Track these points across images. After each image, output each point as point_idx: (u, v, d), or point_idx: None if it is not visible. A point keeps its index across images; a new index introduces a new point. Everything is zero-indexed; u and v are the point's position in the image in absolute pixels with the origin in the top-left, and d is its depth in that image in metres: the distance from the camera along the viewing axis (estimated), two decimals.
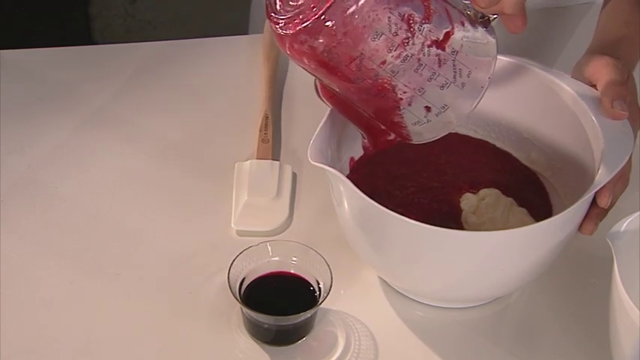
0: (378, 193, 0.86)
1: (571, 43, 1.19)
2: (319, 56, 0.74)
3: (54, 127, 1.06)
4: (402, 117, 0.80)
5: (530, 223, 0.88)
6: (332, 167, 0.79)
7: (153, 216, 0.96)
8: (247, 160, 1.00)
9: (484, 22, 0.80)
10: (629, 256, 0.79)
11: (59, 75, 1.13)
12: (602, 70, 0.87)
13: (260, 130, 1.03)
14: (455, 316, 0.89)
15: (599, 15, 1.00)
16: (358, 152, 0.94)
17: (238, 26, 1.39)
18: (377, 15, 0.73)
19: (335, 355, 0.85)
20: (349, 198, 0.82)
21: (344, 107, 0.83)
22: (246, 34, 1.30)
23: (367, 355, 0.85)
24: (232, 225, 0.95)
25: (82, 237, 0.94)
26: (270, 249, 0.87)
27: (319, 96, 0.83)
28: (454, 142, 0.97)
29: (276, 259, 0.87)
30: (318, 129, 0.83)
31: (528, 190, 0.93)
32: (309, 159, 0.80)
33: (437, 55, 0.77)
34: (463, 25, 0.79)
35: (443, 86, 0.78)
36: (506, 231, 0.85)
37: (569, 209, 0.81)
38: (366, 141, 0.88)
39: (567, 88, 0.89)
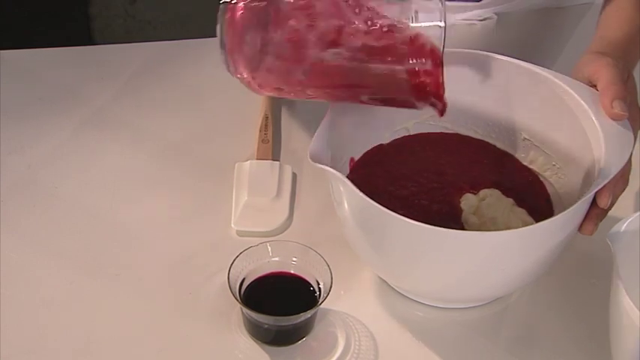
0: (378, 194, 0.86)
1: (570, 44, 1.19)
2: None
3: (54, 127, 1.06)
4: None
5: (531, 224, 0.88)
6: (332, 167, 0.79)
7: (153, 216, 0.96)
8: (247, 160, 1.01)
9: None
10: (629, 256, 0.79)
11: (59, 75, 1.13)
12: (602, 70, 0.87)
13: (260, 131, 1.04)
14: (455, 317, 0.89)
15: (599, 15, 1.00)
16: (358, 152, 0.94)
17: None
18: None
19: (335, 355, 0.85)
20: (349, 198, 0.82)
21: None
22: None
23: (367, 356, 0.85)
24: (232, 225, 0.95)
25: (82, 237, 0.94)
26: (270, 249, 0.87)
27: (229, 70, 0.85)
28: (454, 142, 0.97)
29: (276, 259, 0.87)
30: (318, 129, 0.83)
31: (528, 190, 0.93)
32: (309, 159, 0.80)
33: None
34: None
35: None
36: (506, 231, 0.85)
37: (569, 210, 0.81)
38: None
39: (567, 88, 0.89)
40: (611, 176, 0.81)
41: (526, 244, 0.81)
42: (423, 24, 0.80)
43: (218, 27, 0.83)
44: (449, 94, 0.95)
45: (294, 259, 0.87)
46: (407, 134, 0.97)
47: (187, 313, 0.88)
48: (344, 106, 0.88)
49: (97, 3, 2.20)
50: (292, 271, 0.87)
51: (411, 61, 0.80)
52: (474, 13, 1.19)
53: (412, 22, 0.80)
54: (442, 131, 0.98)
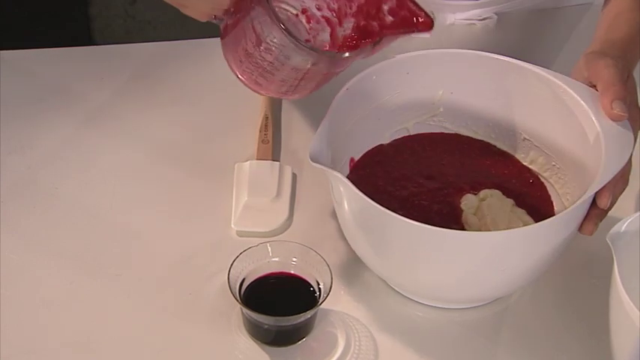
0: (378, 194, 0.86)
1: (569, 44, 1.19)
2: None
3: (54, 127, 1.06)
4: None
5: (531, 224, 0.88)
6: (332, 168, 0.80)
7: (153, 216, 0.96)
8: (247, 160, 1.00)
9: None
10: (629, 256, 0.79)
11: (59, 75, 1.13)
12: (602, 71, 0.87)
13: (260, 131, 1.03)
14: (454, 317, 0.89)
15: (599, 15, 1.00)
16: (358, 152, 0.94)
17: None
18: None
19: (335, 355, 0.85)
20: (349, 199, 0.82)
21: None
22: None
23: (367, 356, 0.85)
24: (232, 225, 0.95)
25: (82, 237, 0.94)
26: (270, 249, 0.87)
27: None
28: (455, 143, 0.97)
29: (276, 259, 0.87)
30: (319, 130, 0.83)
31: (528, 190, 0.93)
32: (309, 160, 0.80)
33: None
34: None
35: None
36: (506, 231, 0.85)
37: (569, 210, 0.81)
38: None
39: (567, 88, 0.89)
40: (611, 176, 0.81)
41: (526, 244, 0.81)
42: None
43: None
44: (449, 95, 0.96)
45: (294, 259, 0.87)
46: (407, 134, 0.97)
47: (187, 313, 0.88)
48: (344, 107, 0.88)
49: (97, 3, 2.20)
50: (292, 272, 0.87)
51: None
52: (474, 12, 1.19)
53: None
54: (442, 131, 0.98)
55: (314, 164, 0.79)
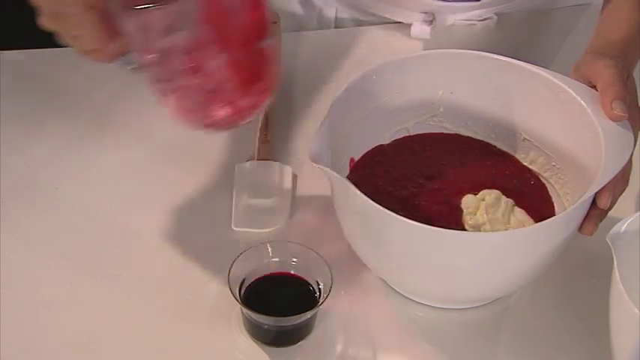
0: (378, 194, 0.86)
1: (568, 44, 1.19)
2: None
3: (54, 127, 1.06)
4: None
5: (531, 224, 0.88)
6: (332, 168, 0.79)
7: (153, 216, 0.96)
8: (247, 161, 1.00)
9: None
10: (629, 256, 0.79)
11: (59, 75, 1.13)
12: (601, 71, 0.87)
13: (260, 131, 1.03)
14: (455, 317, 0.89)
15: (598, 15, 1.00)
16: (358, 153, 0.94)
17: None
18: None
19: (335, 355, 0.85)
20: (349, 199, 0.82)
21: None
22: None
23: (367, 356, 0.85)
24: (232, 226, 0.95)
25: (82, 237, 0.94)
26: (270, 250, 0.87)
27: None
28: (455, 143, 0.97)
29: (276, 260, 0.87)
30: (318, 130, 0.83)
31: (529, 191, 0.93)
32: (309, 160, 0.80)
33: None
34: None
35: None
36: (506, 232, 0.85)
37: (569, 210, 0.81)
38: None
39: (567, 88, 0.89)
40: (611, 177, 0.81)
41: (526, 244, 0.81)
42: None
43: None
44: (449, 95, 0.96)
45: (294, 259, 0.87)
46: (407, 135, 0.97)
47: (187, 313, 0.88)
48: (344, 107, 0.88)
49: None
50: (292, 272, 0.87)
51: None
52: (474, 13, 1.19)
53: None
54: (442, 132, 0.98)
55: (314, 164, 0.79)
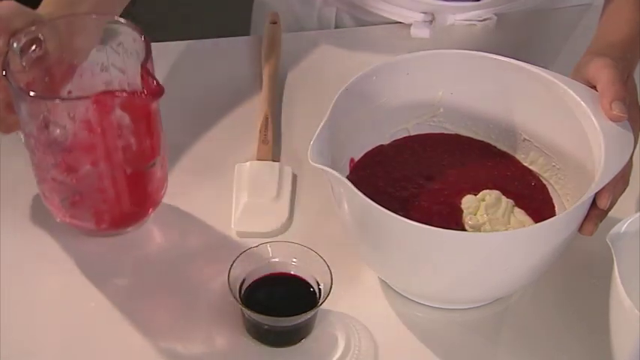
0: (378, 195, 0.86)
1: (569, 45, 1.19)
2: None
3: None
4: None
5: (531, 224, 0.88)
6: (332, 168, 0.79)
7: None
8: (247, 161, 1.00)
9: None
10: (629, 257, 0.79)
11: None
12: (602, 71, 0.87)
13: (260, 131, 1.03)
14: (455, 317, 0.89)
15: (599, 16, 1.00)
16: (358, 153, 0.94)
17: (239, 28, 1.39)
18: None
19: (335, 356, 0.85)
20: (349, 199, 0.82)
21: None
22: (247, 35, 1.30)
23: (367, 357, 0.85)
24: (232, 226, 0.95)
25: (82, 236, 0.94)
26: (270, 250, 0.87)
27: None
28: (455, 143, 0.97)
29: (276, 260, 0.87)
30: (318, 130, 0.83)
31: (529, 191, 0.93)
32: (309, 160, 0.80)
33: None
34: None
35: None
36: (506, 232, 0.85)
37: (569, 210, 0.81)
38: None
39: (567, 89, 0.89)
40: (612, 177, 0.81)
41: (526, 245, 0.81)
42: None
43: None
44: (449, 95, 0.96)
45: (294, 259, 0.87)
46: (407, 135, 0.97)
47: (187, 314, 0.88)
48: (344, 107, 0.88)
49: None
50: (292, 272, 0.87)
51: None
52: (474, 13, 1.19)
53: None
54: (442, 132, 0.98)
55: (314, 164, 0.79)
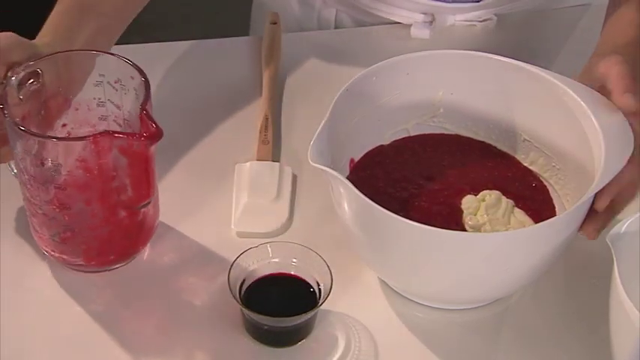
0: (378, 195, 0.86)
1: (569, 45, 1.19)
2: None
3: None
4: None
5: (531, 225, 0.88)
6: (332, 169, 0.79)
7: None
8: (247, 161, 1.00)
9: None
10: (629, 257, 0.79)
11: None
12: (612, 67, 0.87)
13: (260, 132, 1.03)
14: (455, 318, 0.89)
15: (603, 20, 1.00)
16: (358, 153, 0.94)
17: (239, 28, 1.39)
18: None
19: (335, 356, 0.85)
20: (349, 199, 0.82)
21: None
22: (247, 35, 1.30)
23: (367, 357, 0.85)
24: (232, 226, 0.95)
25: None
26: (270, 250, 0.87)
27: None
28: (455, 144, 0.97)
29: (277, 260, 0.87)
30: (318, 130, 0.83)
31: (529, 191, 0.93)
32: (309, 160, 0.80)
33: None
34: None
35: None
36: (506, 232, 0.85)
37: (569, 211, 0.81)
38: None
39: (567, 89, 0.89)
40: (611, 177, 0.81)
41: (526, 245, 0.81)
42: None
43: None
44: (449, 95, 0.96)
45: (294, 260, 0.87)
46: (407, 135, 0.97)
47: (187, 314, 0.88)
48: (344, 107, 0.88)
49: None
50: (292, 272, 0.87)
51: None
52: (474, 14, 1.19)
53: None
54: (443, 132, 0.98)
55: (314, 165, 0.79)
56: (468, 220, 0.89)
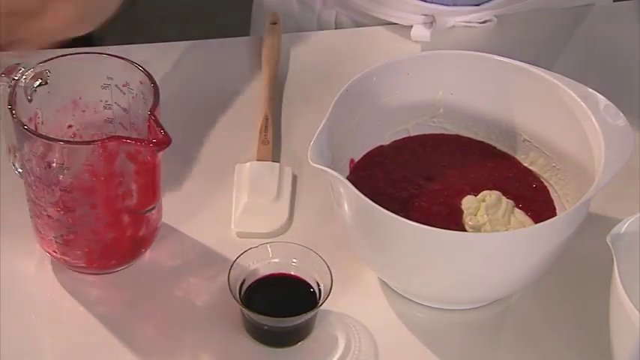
0: (378, 195, 0.86)
1: (571, 45, 1.19)
2: None
3: None
4: None
5: (531, 225, 0.88)
6: (332, 169, 0.79)
7: None
8: (247, 161, 1.00)
9: None
10: (630, 257, 0.79)
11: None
12: None
13: (260, 132, 1.03)
14: (455, 318, 0.89)
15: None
16: (358, 153, 0.94)
17: (239, 28, 1.39)
18: None
19: (335, 356, 0.85)
20: (349, 200, 0.82)
21: None
22: (247, 35, 1.30)
23: (367, 357, 0.85)
24: (232, 227, 0.95)
25: None
26: (270, 250, 0.87)
27: None
28: (455, 144, 0.97)
29: (276, 260, 0.87)
30: (318, 130, 0.83)
31: (529, 191, 0.93)
32: (309, 160, 0.80)
33: None
34: None
35: None
36: (506, 232, 0.85)
37: (569, 210, 0.81)
38: None
39: (567, 89, 0.89)
40: (611, 177, 0.81)
41: (526, 245, 0.81)
42: None
43: None
44: (449, 96, 0.96)
45: (294, 260, 0.87)
46: (407, 135, 0.97)
47: (187, 315, 0.88)
48: (344, 107, 0.88)
49: None
50: (292, 273, 0.87)
51: None
52: (474, 15, 1.19)
53: None
54: (443, 133, 0.98)
55: (314, 165, 0.79)
56: (468, 220, 0.89)
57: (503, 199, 0.90)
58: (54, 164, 0.81)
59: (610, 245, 0.77)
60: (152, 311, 0.88)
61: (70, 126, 0.89)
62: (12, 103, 0.82)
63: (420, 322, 0.88)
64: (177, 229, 0.95)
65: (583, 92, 0.88)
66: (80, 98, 0.88)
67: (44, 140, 0.81)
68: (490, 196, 0.90)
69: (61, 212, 0.84)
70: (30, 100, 0.84)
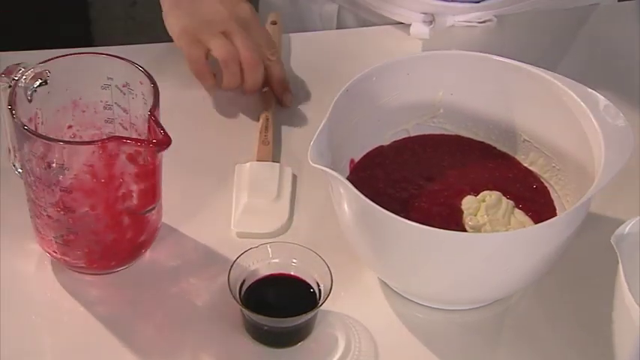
0: (378, 196, 0.86)
1: (575, 45, 1.19)
2: None
3: None
4: None
5: (531, 225, 0.88)
6: (332, 169, 0.79)
7: None
8: (247, 161, 1.00)
9: None
10: (632, 258, 0.79)
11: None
12: None
13: (260, 132, 1.03)
14: (455, 318, 0.89)
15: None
16: (358, 154, 0.94)
17: None
18: None
19: (335, 356, 0.85)
20: (349, 200, 0.82)
21: None
22: None
23: (367, 357, 0.85)
24: (232, 227, 0.95)
25: None
26: (270, 251, 0.87)
27: None
28: (455, 144, 0.97)
29: (277, 260, 0.87)
30: (319, 131, 0.83)
31: (529, 191, 0.93)
32: (309, 161, 0.80)
33: None
34: None
35: None
36: (506, 233, 0.85)
37: (569, 211, 0.81)
38: None
39: (567, 89, 0.89)
40: (611, 177, 0.81)
41: (527, 245, 0.81)
42: None
43: None
44: (449, 96, 0.96)
45: (294, 260, 0.87)
46: (407, 136, 0.97)
47: (187, 315, 0.88)
48: (344, 108, 0.88)
49: (98, 5, 2.20)
50: (292, 273, 0.87)
51: None
52: (474, 15, 1.19)
53: None
54: (443, 133, 0.98)
55: (314, 165, 0.79)
56: (468, 220, 0.89)
57: (504, 199, 0.90)
58: (54, 164, 0.81)
59: (614, 246, 0.77)
60: (152, 311, 0.88)
61: (70, 126, 0.89)
62: (12, 104, 0.82)
63: (420, 322, 0.88)
64: (177, 229, 0.95)
65: (583, 92, 0.88)
66: (80, 98, 0.88)
67: (44, 140, 0.81)
68: (490, 196, 0.90)
69: (61, 212, 0.84)
70: (30, 101, 0.84)
